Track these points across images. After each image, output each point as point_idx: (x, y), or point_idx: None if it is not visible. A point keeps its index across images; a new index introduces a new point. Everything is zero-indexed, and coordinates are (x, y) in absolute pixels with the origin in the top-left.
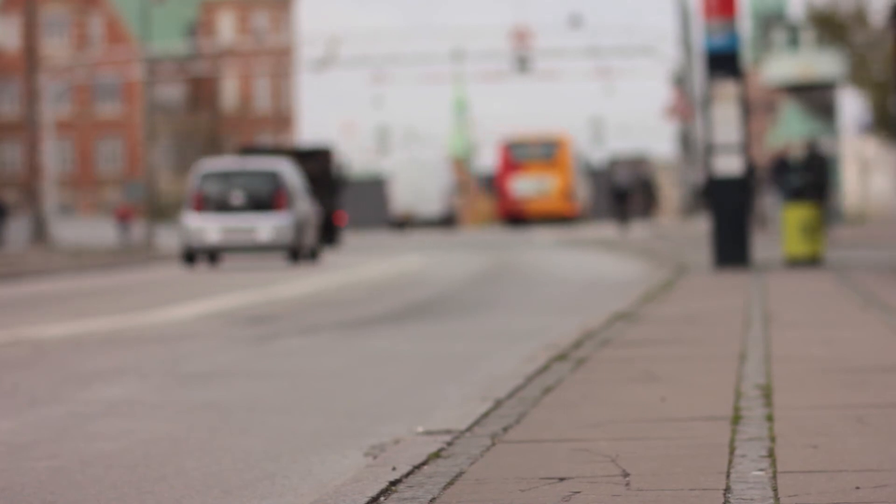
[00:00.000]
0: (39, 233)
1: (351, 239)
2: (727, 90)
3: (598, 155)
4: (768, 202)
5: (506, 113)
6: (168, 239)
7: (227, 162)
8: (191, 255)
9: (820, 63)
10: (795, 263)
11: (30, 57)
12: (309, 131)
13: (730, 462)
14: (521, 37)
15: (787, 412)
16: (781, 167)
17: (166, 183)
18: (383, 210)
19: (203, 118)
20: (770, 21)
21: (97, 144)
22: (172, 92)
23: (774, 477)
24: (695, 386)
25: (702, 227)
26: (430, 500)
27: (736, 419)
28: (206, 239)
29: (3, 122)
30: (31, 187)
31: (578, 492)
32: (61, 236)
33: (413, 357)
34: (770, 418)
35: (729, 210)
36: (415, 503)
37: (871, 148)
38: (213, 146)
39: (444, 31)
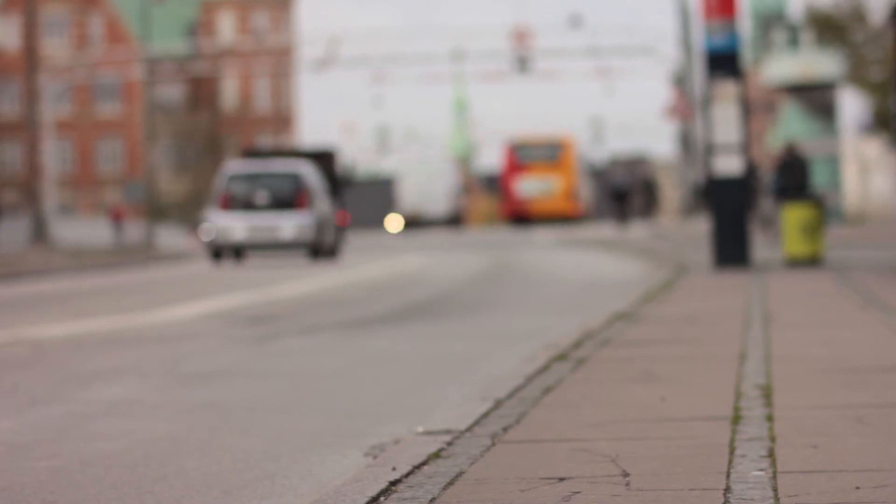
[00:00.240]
0: (39, 233)
1: (353, 239)
2: (727, 90)
3: (598, 155)
4: (772, 203)
5: (506, 113)
6: (168, 239)
7: (252, 164)
8: (217, 253)
9: (820, 63)
10: (795, 263)
11: (30, 57)
12: (309, 131)
13: (730, 462)
14: (521, 37)
15: (787, 412)
16: (787, 166)
17: (166, 183)
18: (384, 210)
19: (203, 118)
20: (770, 21)
21: (97, 144)
22: (172, 92)
23: (774, 477)
24: (695, 386)
25: (702, 227)
26: (430, 500)
27: (736, 419)
28: (232, 237)
29: (3, 122)
30: (31, 187)
31: (578, 492)
32: (61, 236)
33: (413, 357)
34: (770, 418)
35: (729, 210)
36: (415, 503)
37: (872, 148)
38: (213, 146)
39: (444, 31)
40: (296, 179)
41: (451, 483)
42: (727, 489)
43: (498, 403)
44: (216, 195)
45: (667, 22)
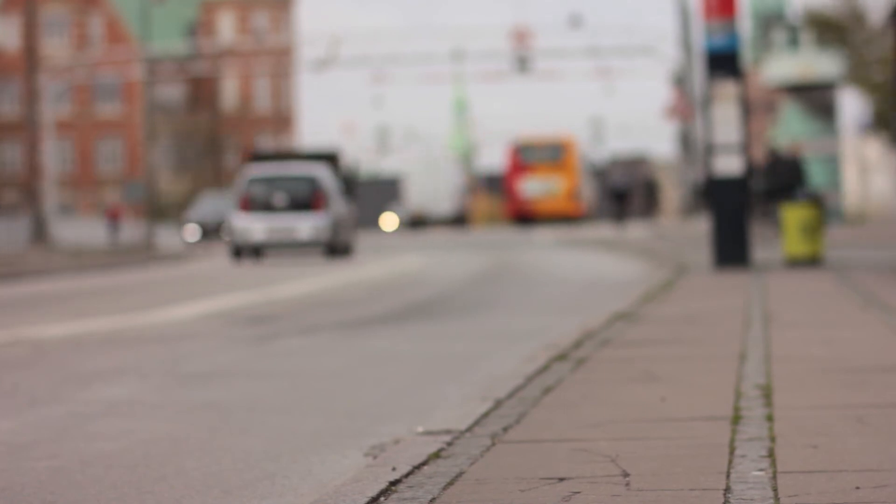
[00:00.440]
0: (39, 233)
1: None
2: (727, 90)
3: (598, 155)
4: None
5: (506, 113)
6: (168, 239)
7: (271, 167)
8: (238, 252)
9: (820, 63)
10: (795, 263)
11: (30, 57)
12: (309, 131)
13: (730, 462)
14: (521, 37)
15: (787, 412)
16: (793, 167)
17: (166, 183)
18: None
19: (203, 118)
20: (770, 21)
21: (97, 144)
22: (172, 92)
23: (774, 477)
24: (695, 386)
25: (702, 227)
26: (430, 500)
27: (736, 419)
28: (252, 237)
29: (3, 122)
30: (31, 187)
31: (578, 492)
32: (61, 236)
33: (413, 357)
34: (770, 418)
35: (729, 210)
36: (415, 503)
37: (872, 148)
38: (213, 146)
39: (444, 31)
40: (312, 182)
41: (451, 483)
42: (727, 489)
43: (498, 403)
44: (237, 197)
45: (667, 22)
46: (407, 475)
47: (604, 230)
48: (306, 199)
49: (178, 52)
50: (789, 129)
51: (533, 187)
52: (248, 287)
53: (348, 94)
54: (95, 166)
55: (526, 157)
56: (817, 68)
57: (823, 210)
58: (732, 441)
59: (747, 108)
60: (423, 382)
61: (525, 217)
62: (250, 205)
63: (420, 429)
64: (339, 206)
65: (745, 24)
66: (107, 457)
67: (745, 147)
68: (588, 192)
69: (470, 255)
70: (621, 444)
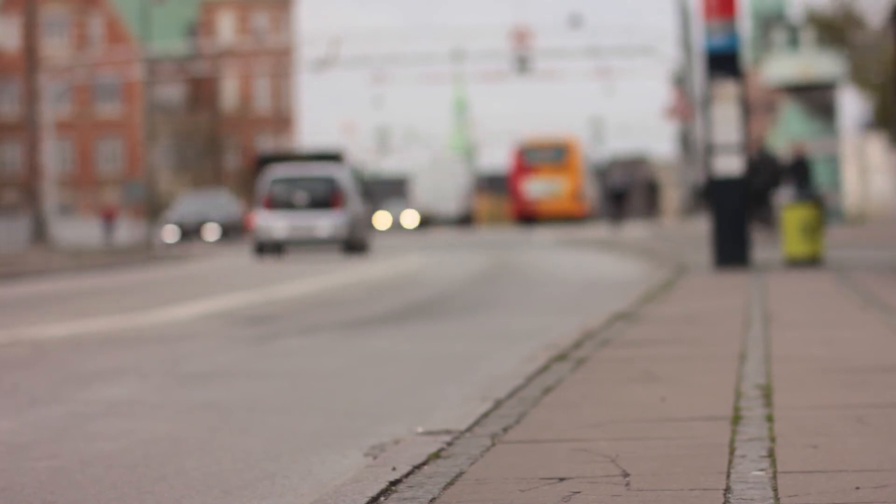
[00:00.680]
0: (39, 233)
1: None
2: (727, 90)
3: (598, 155)
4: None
5: (506, 113)
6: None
7: (292, 169)
8: (261, 248)
9: (820, 63)
10: (795, 263)
11: (30, 57)
12: (309, 131)
13: (730, 462)
14: (521, 37)
15: (787, 412)
16: (799, 166)
17: (166, 183)
18: (393, 209)
19: (203, 118)
20: (770, 21)
21: (97, 144)
22: (172, 92)
23: (774, 477)
24: (695, 386)
25: (702, 227)
26: (430, 501)
27: (736, 419)
28: (274, 235)
29: (3, 122)
30: (31, 187)
31: (578, 492)
32: (61, 236)
33: (413, 357)
34: (770, 418)
35: (729, 210)
36: (415, 503)
37: (872, 148)
38: (213, 146)
39: (444, 31)
40: (331, 182)
41: (451, 483)
42: (727, 489)
43: (498, 403)
44: (260, 197)
45: (667, 22)
46: (407, 475)
47: (600, 230)
48: (326, 199)
49: (178, 52)
50: (789, 129)
51: (537, 188)
52: (248, 287)
53: (348, 94)
54: (95, 166)
55: (530, 158)
56: (817, 68)
57: (823, 210)
58: (732, 441)
59: (747, 109)
60: (423, 382)
61: (529, 217)
62: (273, 203)
63: (420, 429)
64: (356, 205)
65: (745, 24)
66: (107, 457)
67: (746, 147)
68: (591, 193)
69: (470, 255)
70: (621, 444)
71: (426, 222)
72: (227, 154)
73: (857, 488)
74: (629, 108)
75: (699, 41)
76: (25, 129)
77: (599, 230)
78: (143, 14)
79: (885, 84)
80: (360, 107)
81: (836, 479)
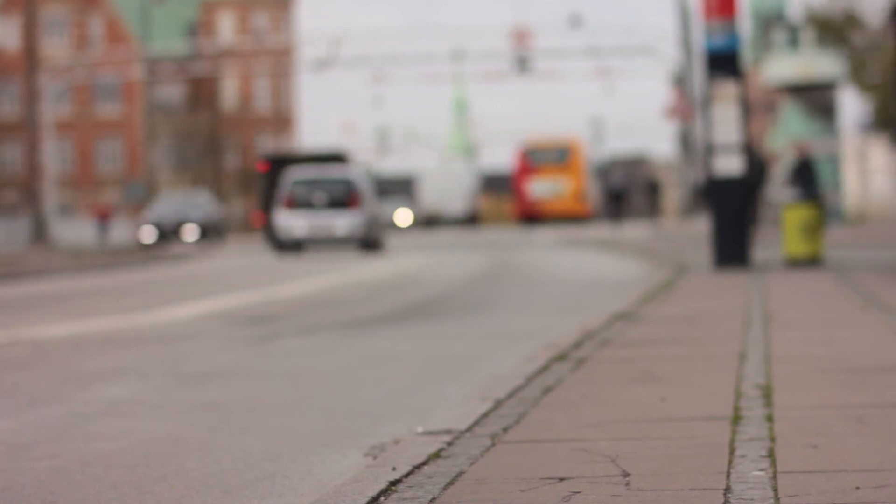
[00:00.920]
0: (39, 233)
1: None
2: (727, 90)
3: (598, 155)
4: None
5: (506, 113)
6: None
7: (311, 170)
8: (282, 246)
9: (820, 63)
10: (795, 263)
11: (30, 57)
12: (309, 131)
13: (730, 462)
14: (521, 37)
15: (787, 412)
16: (804, 167)
17: (166, 183)
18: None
19: (203, 118)
20: (770, 21)
21: (97, 144)
22: (172, 92)
23: (774, 477)
24: (695, 386)
25: (702, 227)
26: (430, 500)
27: (736, 419)
28: (294, 233)
29: (3, 122)
30: (31, 187)
31: (578, 492)
32: (61, 236)
33: (413, 357)
34: (770, 418)
35: (729, 210)
36: (415, 503)
37: (873, 148)
38: (213, 146)
39: (444, 31)
40: (349, 184)
41: (451, 483)
42: (727, 489)
43: (498, 403)
44: (281, 197)
45: (667, 22)
46: (407, 475)
47: (602, 230)
48: (343, 199)
49: (178, 52)
50: (789, 130)
51: (541, 188)
52: (248, 287)
53: (348, 94)
54: (95, 166)
55: (534, 158)
56: (817, 68)
57: (823, 210)
58: (732, 441)
59: (747, 108)
60: (423, 382)
61: (533, 217)
62: (293, 203)
63: (420, 429)
64: (372, 205)
65: (745, 24)
66: (107, 457)
67: (745, 147)
68: (594, 193)
69: (470, 255)
70: (621, 444)
71: (432, 222)
72: (227, 154)
73: (857, 488)
74: (629, 108)
75: (699, 41)
76: (25, 129)
77: (602, 230)
78: (143, 14)
79: (885, 84)
80: (360, 107)
81: (836, 479)
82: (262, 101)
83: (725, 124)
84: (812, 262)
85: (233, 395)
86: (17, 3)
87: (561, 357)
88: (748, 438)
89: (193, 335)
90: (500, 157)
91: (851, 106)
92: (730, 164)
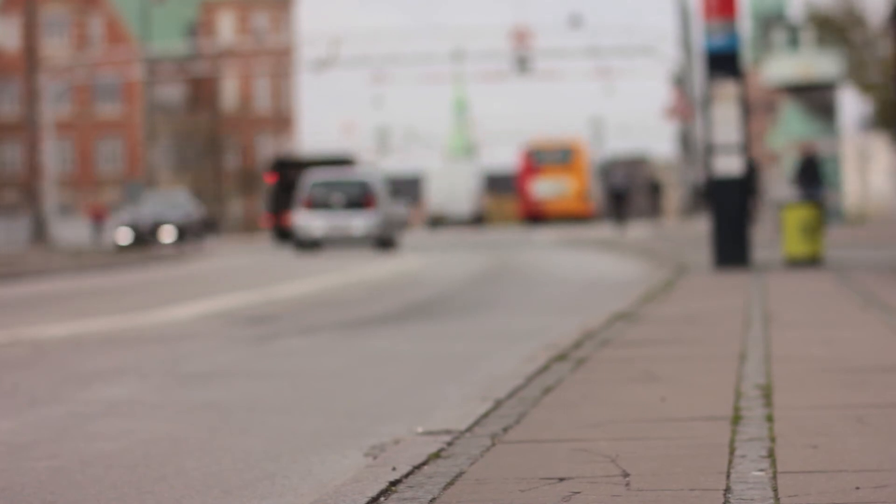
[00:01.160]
0: (39, 233)
1: None
2: (727, 90)
3: (599, 155)
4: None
5: (506, 113)
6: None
7: (329, 173)
8: (301, 245)
9: (820, 63)
10: (795, 263)
11: (30, 57)
12: (309, 131)
13: (730, 462)
14: (521, 37)
15: (787, 412)
16: (809, 166)
17: (166, 183)
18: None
19: (203, 118)
20: (770, 21)
21: (97, 144)
22: (172, 92)
23: (774, 477)
24: (695, 386)
25: (702, 227)
26: (430, 501)
27: (736, 419)
28: (313, 233)
29: (3, 122)
30: (31, 187)
31: (578, 492)
32: (61, 236)
33: (413, 357)
34: (770, 418)
35: (729, 210)
36: (415, 503)
37: (873, 147)
38: (213, 146)
39: (444, 31)
40: (365, 185)
41: (451, 483)
42: (727, 489)
43: (498, 403)
44: (300, 198)
45: (667, 22)
46: (407, 475)
47: (604, 230)
48: (360, 200)
49: (178, 53)
50: (789, 129)
51: (544, 188)
52: (248, 287)
53: (348, 94)
54: (95, 166)
55: (537, 159)
56: (817, 68)
57: (823, 210)
58: (732, 441)
59: (747, 109)
60: (423, 382)
61: (537, 217)
62: (312, 204)
63: (420, 429)
64: (387, 205)
65: (745, 24)
66: (107, 457)
67: (746, 147)
68: (597, 193)
69: (470, 255)
70: (621, 444)
71: (438, 223)
72: (227, 154)
73: (857, 488)
74: (629, 108)
75: (699, 41)
76: (25, 129)
77: (604, 230)
78: (143, 14)
79: (886, 84)
80: (360, 107)
81: (836, 479)
82: (262, 101)
83: (725, 124)
84: (812, 262)
85: (233, 395)
86: (17, 3)
87: (561, 357)
88: (748, 438)
89: (193, 335)
90: (501, 158)
91: (851, 106)
92: (730, 164)
